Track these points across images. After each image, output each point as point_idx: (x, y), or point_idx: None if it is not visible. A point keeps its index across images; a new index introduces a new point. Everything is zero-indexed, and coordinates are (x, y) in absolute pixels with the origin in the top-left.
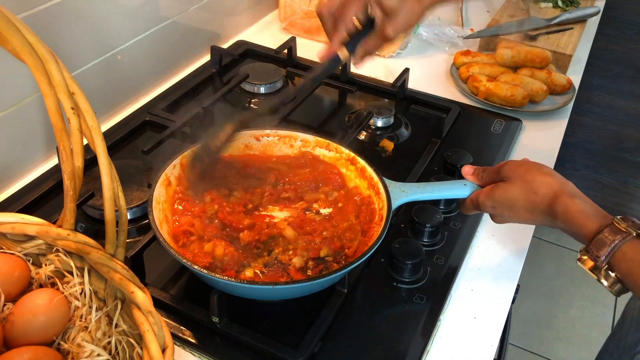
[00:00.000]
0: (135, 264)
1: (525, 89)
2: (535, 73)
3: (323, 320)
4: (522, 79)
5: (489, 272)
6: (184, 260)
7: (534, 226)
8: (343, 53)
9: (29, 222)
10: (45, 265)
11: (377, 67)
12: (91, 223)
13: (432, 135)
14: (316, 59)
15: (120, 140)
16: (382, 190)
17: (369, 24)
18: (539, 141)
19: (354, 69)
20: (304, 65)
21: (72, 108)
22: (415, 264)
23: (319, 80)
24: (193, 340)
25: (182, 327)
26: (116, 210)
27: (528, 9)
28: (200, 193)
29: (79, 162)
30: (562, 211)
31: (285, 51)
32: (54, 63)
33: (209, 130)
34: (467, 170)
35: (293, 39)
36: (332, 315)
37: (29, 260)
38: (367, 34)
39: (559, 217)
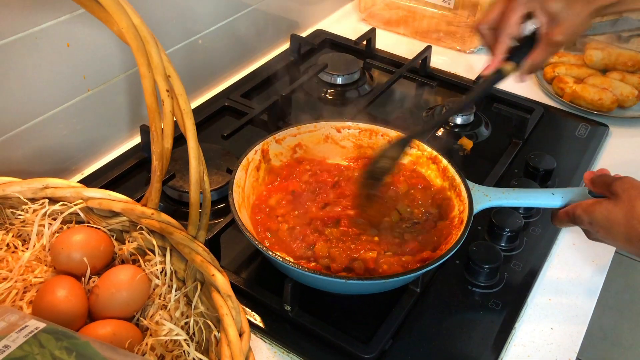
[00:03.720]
0: (213, 247)
1: (615, 93)
2: (626, 77)
3: (395, 318)
4: (611, 82)
5: (568, 282)
6: (260, 246)
7: None
8: (507, 66)
9: (115, 199)
10: (129, 242)
11: (458, 63)
12: (169, 203)
13: (514, 136)
14: (395, 51)
15: (199, 124)
16: (464, 193)
17: (531, 35)
18: (627, 149)
19: (434, 63)
20: (383, 57)
21: (167, 90)
22: (493, 268)
23: (480, 99)
24: (263, 326)
25: (253, 312)
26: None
27: None
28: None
29: (168, 143)
30: None
31: (364, 42)
32: (155, 46)
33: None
34: (587, 175)
35: (373, 30)
36: (404, 313)
37: (112, 236)
38: (530, 46)
39: None
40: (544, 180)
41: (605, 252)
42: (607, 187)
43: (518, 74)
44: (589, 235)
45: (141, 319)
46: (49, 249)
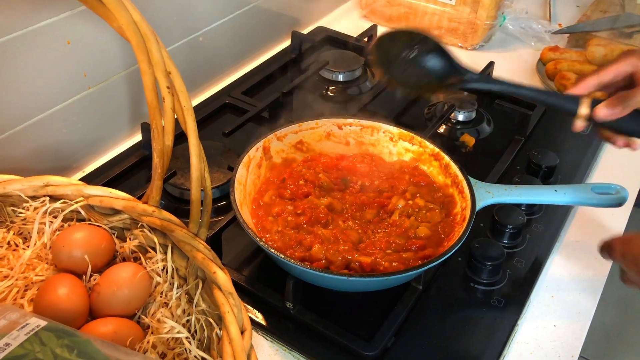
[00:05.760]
0: (214, 245)
1: None
2: None
3: (397, 315)
4: None
5: (571, 279)
6: (262, 243)
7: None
8: (584, 105)
9: (117, 197)
10: (130, 239)
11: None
12: (171, 201)
13: (516, 132)
14: None
15: (201, 122)
16: (466, 190)
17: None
18: None
19: None
20: None
21: (168, 87)
22: (495, 265)
23: (529, 99)
24: (265, 324)
25: (255, 310)
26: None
27: (623, 5)
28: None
29: (169, 140)
30: None
31: (366, 39)
32: (155, 42)
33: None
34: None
35: (374, 27)
36: (406, 311)
37: (113, 234)
38: None
39: None
40: (547, 177)
41: None
42: None
43: (580, 119)
44: (623, 276)
45: (142, 316)
46: (50, 247)
